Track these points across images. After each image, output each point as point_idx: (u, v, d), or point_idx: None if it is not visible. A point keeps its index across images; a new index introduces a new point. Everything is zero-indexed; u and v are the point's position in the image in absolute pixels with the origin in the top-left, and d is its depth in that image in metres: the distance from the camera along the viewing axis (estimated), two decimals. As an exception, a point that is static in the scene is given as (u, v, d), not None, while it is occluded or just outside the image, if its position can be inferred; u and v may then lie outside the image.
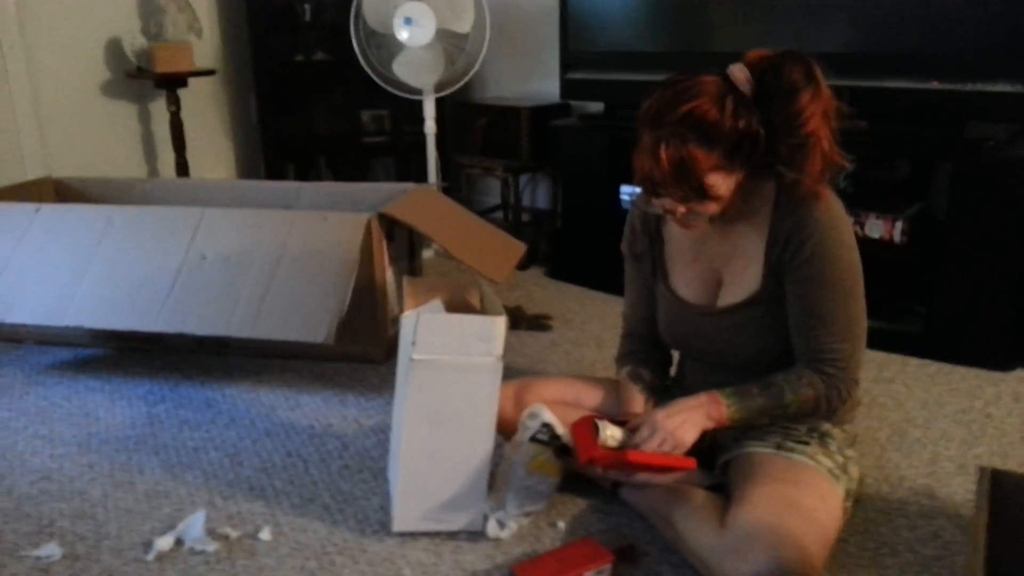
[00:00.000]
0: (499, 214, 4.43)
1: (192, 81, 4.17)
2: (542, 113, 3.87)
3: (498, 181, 4.30)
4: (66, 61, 3.95)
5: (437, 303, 1.96)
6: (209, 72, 4.25)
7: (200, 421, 2.41)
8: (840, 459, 1.72)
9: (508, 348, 1.73)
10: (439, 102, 3.83)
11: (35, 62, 3.83)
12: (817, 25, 2.82)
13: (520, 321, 3.11)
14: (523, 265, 3.78)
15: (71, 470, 2.15)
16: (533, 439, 1.82)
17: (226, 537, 1.84)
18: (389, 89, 3.73)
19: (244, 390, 2.61)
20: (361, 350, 2.75)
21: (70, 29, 3.94)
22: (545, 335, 3.03)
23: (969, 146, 2.56)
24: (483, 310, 1.98)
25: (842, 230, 1.67)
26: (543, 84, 4.20)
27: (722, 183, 1.62)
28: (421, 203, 2.85)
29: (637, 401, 1.88)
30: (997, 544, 1.20)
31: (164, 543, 1.80)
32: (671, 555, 1.73)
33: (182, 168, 4.18)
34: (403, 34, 3.47)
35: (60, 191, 3.34)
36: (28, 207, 2.77)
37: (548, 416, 1.83)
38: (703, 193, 1.61)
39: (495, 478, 1.85)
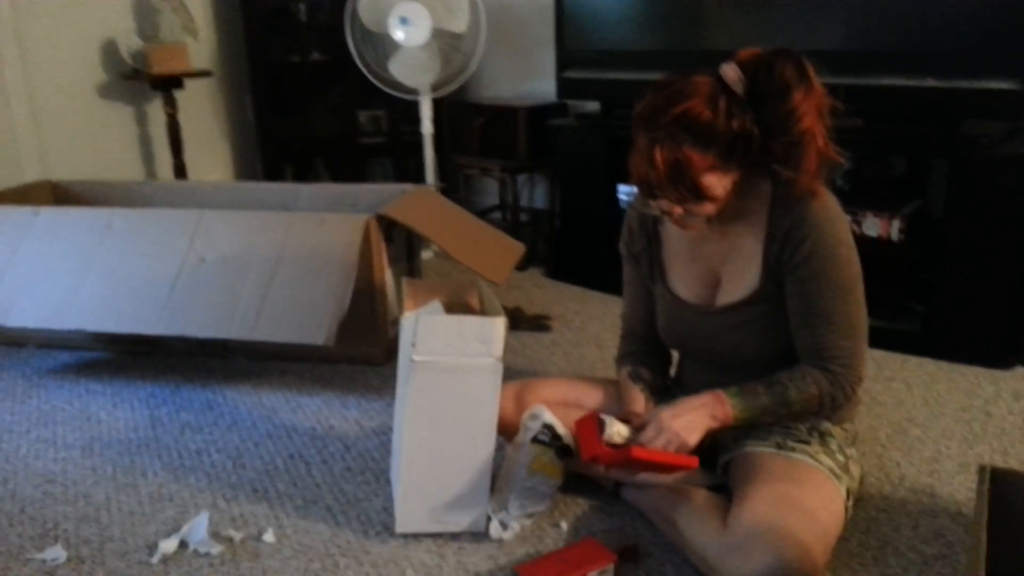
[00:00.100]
0: (497, 214, 4.43)
1: (188, 82, 4.17)
2: (539, 113, 3.87)
3: (496, 181, 4.30)
4: (62, 63, 3.94)
5: (436, 304, 1.97)
6: (205, 73, 4.25)
7: (202, 424, 2.41)
8: (841, 458, 1.73)
9: (508, 349, 1.73)
10: (436, 102, 3.84)
11: (31, 64, 3.82)
12: (813, 23, 2.83)
13: (520, 322, 3.12)
14: (522, 266, 3.78)
15: (74, 473, 2.15)
16: (534, 440, 1.82)
17: (230, 539, 1.84)
18: (385, 89, 3.73)
19: (245, 392, 2.61)
20: (361, 352, 2.75)
21: (65, 31, 3.93)
22: (545, 336, 3.04)
23: (965, 143, 2.56)
24: (482, 311, 1.99)
25: (839, 227, 1.68)
26: (540, 83, 4.20)
27: (718, 183, 1.62)
28: (419, 204, 2.86)
29: (638, 401, 1.88)
30: (998, 542, 1.21)
31: (168, 546, 1.80)
32: (673, 555, 1.74)
33: (179, 170, 4.18)
34: (399, 34, 3.47)
35: (59, 194, 3.34)
36: (27, 210, 2.77)
37: (549, 417, 1.84)
38: (699, 194, 1.62)
39: (497, 479, 1.86)
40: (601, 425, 1.71)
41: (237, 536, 1.85)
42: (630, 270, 2.00)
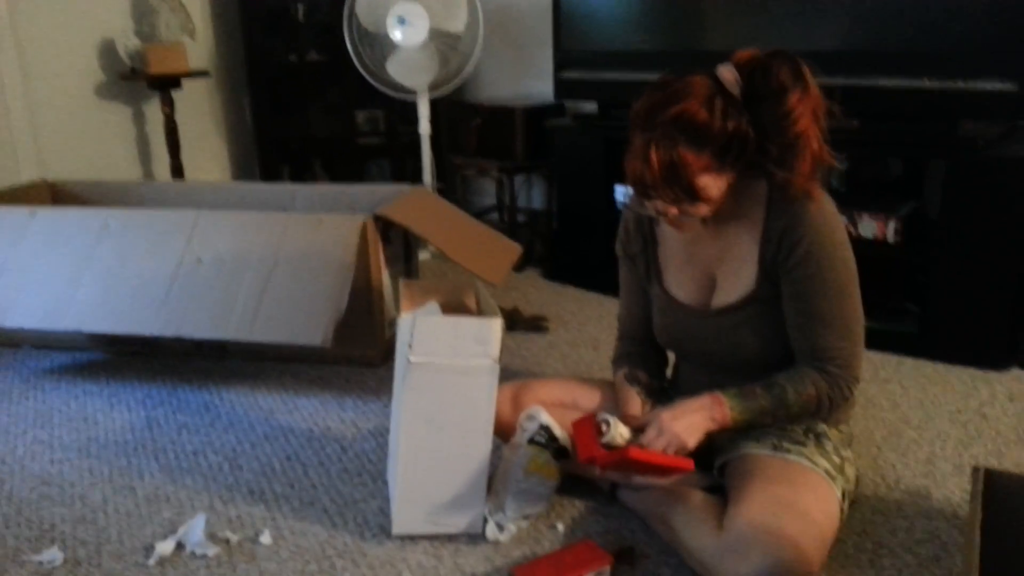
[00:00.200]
0: (494, 215, 4.43)
1: (186, 82, 4.17)
2: (536, 113, 3.87)
3: (493, 182, 4.30)
4: (59, 63, 3.94)
5: (433, 305, 1.97)
6: (203, 73, 4.25)
7: (199, 425, 2.41)
8: (837, 460, 1.73)
9: (505, 350, 1.73)
10: (433, 102, 3.83)
11: (28, 64, 3.82)
12: (809, 24, 2.83)
13: (517, 323, 3.12)
14: (519, 266, 3.78)
15: (71, 475, 2.15)
16: (531, 441, 1.83)
17: (226, 541, 1.85)
18: (383, 90, 3.73)
19: (242, 393, 2.61)
20: (358, 353, 2.75)
21: (63, 30, 3.93)
22: (542, 337, 3.04)
23: (961, 144, 2.56)
24: (479, 312, 1.99)
25: (835, 228, 1.68)
26: (537, 84, 4.21)
27: (713, 184, 1.62)
28: (417, 204, 2.86)
29: (634, 403, 1.89)
30: (992, 544, 1.21)
31: (165, 548, 1.80)
32: (670, 556, 1.74)
33: (177, 170, 4.17)
34: (396, 34, 3.47)
35: (56, 194, 3.34)
36: (24, 210, 2.77)
37: (546, 418, 1.84)
38: (694, 195, 1.62)
39: (493, 481, 1.86)
40: (604, 427, 1.71)
41: (234, 538, 1.86)
42: (626, 271, 2.00)
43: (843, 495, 1.69)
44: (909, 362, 2.71)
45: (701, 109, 1.56)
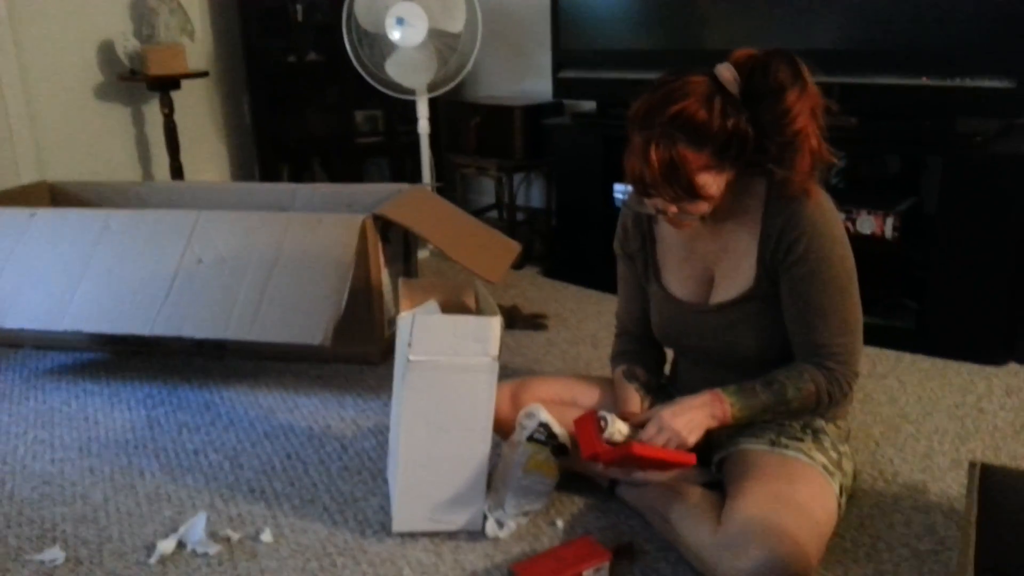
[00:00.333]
0: (493, 213, 4.44)
1: (185, 83, 4.17)
2: (535, 112, 3.88)
3: (492, 180, 4.31)
4: (59, 64, 3.95)
5: (433, 304, 1.98)
6: (202, 74, 4.25)
7: (199, 424, 2.42)
8: (834, 455, 1.74)
9: (504, 348, 1.74)
10: (432, 102, 3.84)
11: (28, 65, 3.83)
12: (808, 22, 2.83)
13: (516, 321, 3.13)
14: (518, 264, 3.79)
15: (72, 474, 2.16)
16: (530, 439, 1.83)
17: (227, 539, 1.85)
18: (382, 89, 3.74)
19: (242, 392, 2.62)
20: (358, 351, 2.76)
21: (62, 32, 3.93)
22: (541, 334, 3.05)
23: (959, 141, 2.57)
24: (478, 310, 2.00)
25: (833, 226, 1.69)
26: (536, 83, 4.21)
27: (712, 182, 1.63)
28: (416, 204, 2.86)
29: (633, 400, 1.89)
30: (988, 537, 1.22)
31: (166, 546, 1.81)
32: (668, 552, 1.75)
33: (176, 171, 4.18)
34: (395, 34, 3.48)
35: (55, 195, 3.35)
36: (24, 212, 2.77)
37: (545, 416, 1.84)
38: (694, 193, 1.63)
39: (493, 478, 1.87)
40: (602, 423, 1.72)
41: (235, 536, 1.86)
42: (625, 269, 2.01)
43: (841, 490, 1.70)
44: (907, 357, 2.71)
45: (700, 108, 1.57)
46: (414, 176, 4.18)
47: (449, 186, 4.52)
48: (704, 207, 1.67)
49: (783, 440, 1.73)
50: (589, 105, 3.69)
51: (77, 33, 3.99)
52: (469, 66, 3.64)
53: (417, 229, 2.71)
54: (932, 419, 2.31)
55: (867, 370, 2.62)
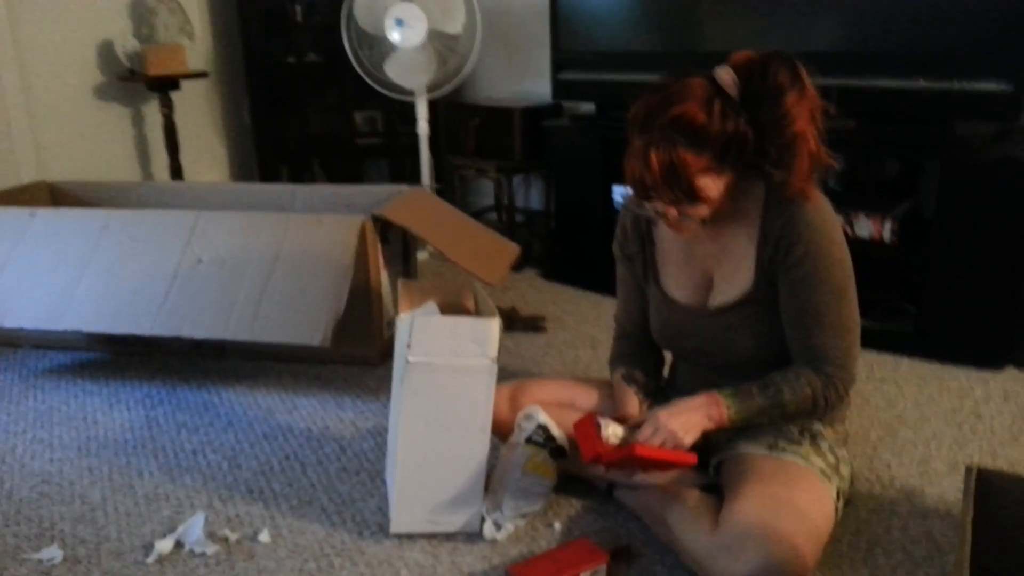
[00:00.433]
0: (492, 215, 4.44)
1: (185, 83, 4.17)
2: (534, 114, 3.88)
3: (491, 182, 4.31)
4: (58, 64, 3.95)
5: (432, 305, 1.98)
6: (201, 74, 4.26)
7: (198, 424, 2.42)
8: (832, 459, 1.74)
9: (503, 350, 1.74)
10: (432, 103, 3.84)
11: (27, 65, 3.83)
12: (806, 25, 2.84)
13: (515, 323, 3.13)
14: (517, 266, 3.79)
15: (71, 474, 2.16)
16: (529, 441, 1.84)
17: (225, 539, 1.86)
18: (381, 90, 3.74)
19: (241, 393, 2.62)
20: (357, 353, 2.76)
21: (62, 32, 3.93)
22: (540, 336, 3.05)
23: (957, 144, 2.57)
24: (477, 312, 2.00)
25: (831, 229, 1.70)
26: (535, 85, 4.21)
27: (712, 185, 1.64)
28: (415, 205, 2.86)
29: (631, 403, 1.90)
30: (984, 541, 1.22)
31: (164, 546, 1.81)
32: (666, 555, 1.75)
33: (176, 171, 4.18)
34: (394, 35, 3.48)
35: (55, 195, 3.35)
36: (23, 211, 2.78)
37: (543, 418, 1.85)
38: (694, 195, 1.63)
39: (491, 480, 1.87)
40: (598, 426, 1.73)
41: (233, 536, 1.87)
42: (623, 271, 2.01)
43: (838, 494, 1.70)
44: (905, 362, 2.71)
45: (700, 111, 1.57)
46: (413, 177, 4.18)
47: (448, 187, 4.52)
48: (704, 210, 1.67)
49: (781, 444, 1.73)
50: (588, 107, 3.69)
51: (76, 33, 3.99)
52: (468, 67, 3.64)
53: (416, 230, 2.71)
54: (930, 423, 2.32)
55: (865, 374, 2.62)
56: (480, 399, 1.74)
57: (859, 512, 1.90)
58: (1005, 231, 2.51)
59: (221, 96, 4.71)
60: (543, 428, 1.84)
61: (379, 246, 2.67)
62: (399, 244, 3.05)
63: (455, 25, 3.51)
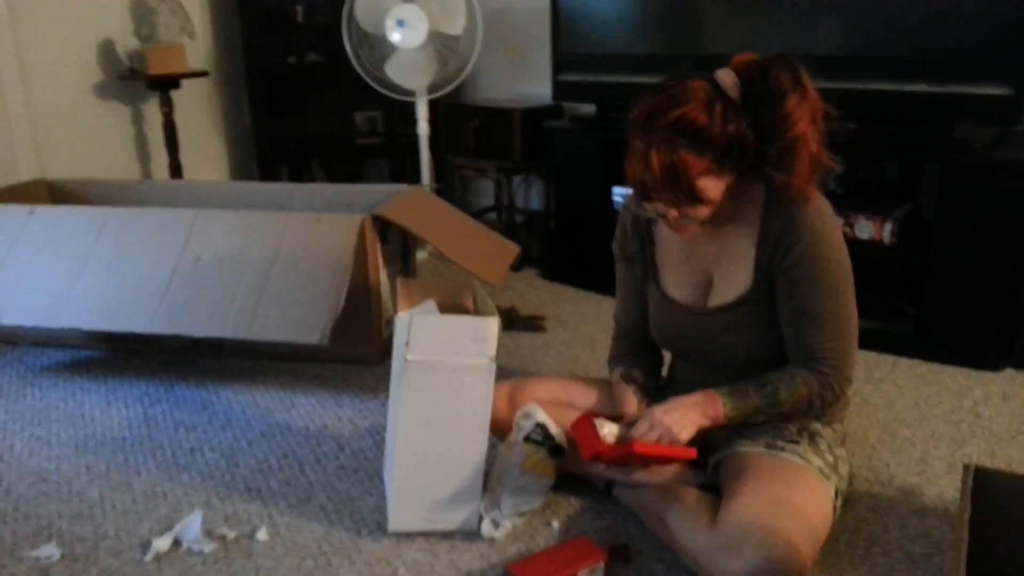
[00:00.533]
0: (492, 215, 4.44)
1: (185, 83, 4.17)
2: (534, 114, 3.89)
3: (491, 182, 4.31)
4: (59, 63, 3.95)
5: (431, 304, 1.98)
6: (202, 74, 4.25)
7: (196, 422, 2.42)
8: (830, 458, 1.74)
9: (502, 349, 1.75)
10: (432, 104, 3.84)
11: (28, 64, 3.83)
12: (807, 28, 2.84)
13: (514, 322, 3.13)
14: (516, 266, 3.79)
15: (68, 471, 2.16)
16: (527, 439, 1.83)
17: (223, 538, 1.85)
18: (382, 91, 3.74)
19: (239, 391, 2.62)
20: (356, 351, 2.76)
21: (62, 31, 3.93)
22: (539, 336, 3.05)
23: (957, 147, 2.58)
24: (476, 311, 2.00)
25: (831, 230, 1.70)
26: (535, 86, 4.21)
27: (713, 187, 1.64)
28: (415, 204, 2.86)
29: (630, 402, 1.90)
30: (980, 540, 1.22)
31: (162, 544, 1.81)
32: (664, 554, 1.75)
33: (175, 170, 4.18)
34: (395, 36, 3.48)
35: (54, 193, 3.35)
36: (22, 209, 2.77)
37: (542, 416, 1.85)
38: (694, 197, 1.64)
39: (489, 478, 1.87)
40: (594, 426, 1.73)
41: (230, 534, 1.86)
42: (623, 271, 2.01)
43: (836, 493, 1.70)
44: (904, 362, 2.71)
45: (701, 113, 1.58)
46: (413, 178, 4.18)
47: (448, 188, 4.53)
48: (704, 211, 1.68)
49: (779, 443, 1.74)
50: (588, 108, 3.69)
51: (77, 32, 3.99)
52: (469, 68, 3.64)
53: (416, 230, 2.71)
54: (928, 423, 2.32)
55: (864, 374, 2.62)
56: (479, 398, 1.74)
57: (858, 511, 1.90)
58: (1005, 233, 2.51)
59: (221, 95, 4.71)
60: (542, 427, 1.84)
61: (378, 245, 2.67)
62: (398, 243, 3.05)
63: (456, 26, 3.51)
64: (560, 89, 3.57)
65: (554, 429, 1.84)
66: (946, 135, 2.62)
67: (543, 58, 3.80)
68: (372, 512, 1.94)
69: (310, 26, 4.53)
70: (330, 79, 4.54)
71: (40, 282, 2.60)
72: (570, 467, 1.93)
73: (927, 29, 2.59)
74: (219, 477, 2.12)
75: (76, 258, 2.63)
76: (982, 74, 2.51)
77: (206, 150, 4.68)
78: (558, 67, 3.54)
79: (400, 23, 3.46)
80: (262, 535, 1.86)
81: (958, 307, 2.64)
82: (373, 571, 1.73)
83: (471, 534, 1.83)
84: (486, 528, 1.82)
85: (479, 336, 1.70)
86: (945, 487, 2.00)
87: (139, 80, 4.05)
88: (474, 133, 4.03)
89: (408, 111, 3.92)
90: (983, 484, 1.36)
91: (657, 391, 2.00)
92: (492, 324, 1.70)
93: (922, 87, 2.62)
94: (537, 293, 3.53)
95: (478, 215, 4.10)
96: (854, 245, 1.98)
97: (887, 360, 2.73)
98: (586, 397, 2.01)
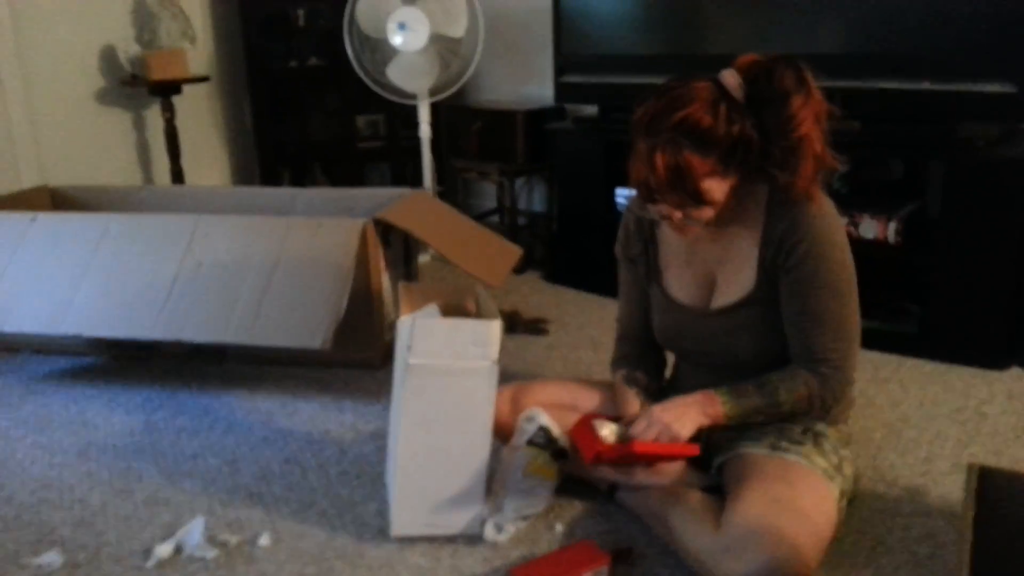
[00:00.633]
0: (495, 218, 4.44)
1: (186, 88, 4.17)
2: (537, 117, 3.88)
3: (493, 185, 4.31)
4: (61, 69, 3.95)
5: (433, 308, 1.97)
6: (203, 79, 4.26)
7: (198, 428, 2.42)
8: (835, 459, 1.73)
9: (505, 352, 1.73)
10: (434, 106, 3.84)
11: (30, 70, 3.83)
12: (810, 27, 2.83)
13: (517, 325, 3.12)
14: (519, 269, 3.78)
15: (70, 478, 2.15)
16: (530, 442, 1.83)
17: (225, 544, 1.84)
18: (383, 94, 3.73)
19: (241, 397, 2.62)
20: (358, 355, 2.75)
21: (64, 37, 3.94)
22: (542, 339, 3.04)
23: (961, 146, 2.57)
24: (479, 314, 1.99)
25: (834, 231, 1.70)
26: (537, 88, 4.21)
27: (717, 188, 1.64)
28: (417, 208, 2.86)
29: (633, 404, 1.89)
30: (985, 539, 1.21)
31: (164, 550, 1.80)
32: (668, 556, 1.74)
33: (177, 175, 4.18)
34: (397, 39, 3.48)
35: (56, 199, 3.35)
36: (24, 216, 2.77)
37: (545, 419, 1.84)
38: (699, 198, 1.64)
39: (492, 482, 1.86)
40: (594, 428, 1.72)
41: (233, 540, 1.86)
42: (626, 273, 2.01)
43: (841, 494, 1.70)
44: (909, 362, 2.70)
45: (706, 114, 1.58)
46: (415, 181, 4.18)
47: (450, 190, 4.52)
48: (709, 212, 1.68)
49: (783, 444, 1.73)
50: (591, 109, 3.68)
51: (79, 38, 4.00)
52: (471, 71, 3.63)
53: (418, 233, 2.70)
54: (934, 423, 2.30)
55: (869, 374, 2.61)
56: (481, 401, 1.73)
57: (862, 511, 1.89)
58: (1009, 231, 2.51)
59: (223, 100, 4.71)
60: (544, 430, 1.83)
61: (380, 249, 2.67)
62: (400, 247, 3.04)
63: (458, 29, 3.50)
64: (562, 91, 3.57)
65: (557, 432, 1.83)
66: (950, 133, 2.61)
67: (545, 60, 3.79)
68: (375, 517, 1.94)
69: (311, 30, 4.54)
70: (331, 83, 4.54)
71: (42, 289, 2.60)
72: (573, 470, 1.92)
73: (930, 27, 2.58)
74: (221, 483, 2.11)
75: (78, 265, 2.63)
76: (986, 72, 2.50)
77: (208, 155, 4.68)
78: (560, 69, 3.53)
79: (402, 26, 3.46)
80: (264, 541, 1.85)
81: (963, 306, 2.63)
82: (376, 576, 1.73)
83: (474, 538, 1.82)
84: (489, 532, 1.81)
85: (481, 339, 1.69)
86: (950, 487, 1.98)
87: (140, 86, 4.05)
88: (476, 136, 4.03)
89: (410, 114, 3.92)
90: (988, 484, 1.35)
91: (660, 393, 1.99)
92: (494, 327, 1.70)
93: (926, 85, 2.61)
94: (540, 296, 3.52)
95: (480, 218, 4.09)
96: (858, 244, 1.97)
97: (892, 360, 2.72)
98: (589, 400, 2.00)
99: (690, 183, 1.61)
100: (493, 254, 2.88)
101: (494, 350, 1.70)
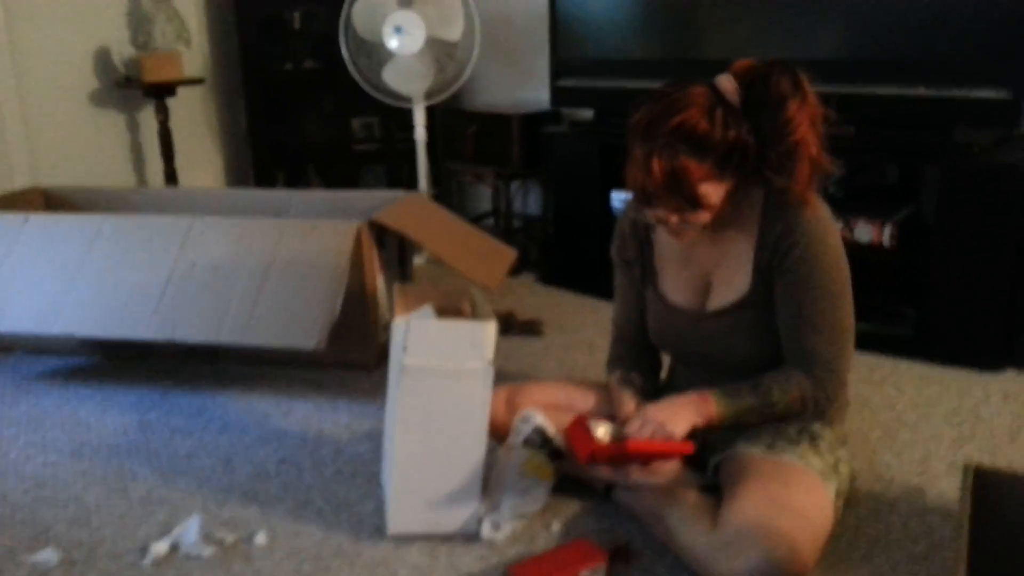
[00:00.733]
0: (490, 220, 4.43)
1: (181, 90, 4.16)
2: (533, 120, 3.88)
3: (489, 188, 4.31)
4: (54, 70, 3.94)
5: (428, 309, 1.97)
6: (198, 81, 4.25)
7: (192, 428, 2.41)
8: (831, 459, 1.74)
9: (500, 354, 1.74)
10: (429, 110, 3.84)
11: (23, 71, 3.82)
12: (805, 32, 2.84)
13: (512, 327, 3.12)
14: (514, 271, 3.78)
15: (65, 477, 2.15)
16: (526, 443, 1.83)
17: (221, 542, 1.84)
18: (379, 97, 3.74)
19: (235, 397, 2.61)
20: (353, 357, 2.75)
21: (58, 38, 3.93)
22: (537, 341, 3.04)
23: (956, 151, 2.58)
24: (474, 316, 1.99)
25: (829, 234, 1.71)
26: (533, 91, 4.21)
27: (714, 192, 1.65)
28: (412, 210, 2.86)
29: (628, 405, 1.89)
30: (980, 538, 1.21)
31: (160, 548, 1.80)
32: (665, 555, 1.74)
33: (171, 177, 4.17)
34: (393, 42, 3.48)
35: (49, 200, 3.34)
36: (17, 217, 2.76)
37: (540, 420, 1.84)
38: (696, 203, 1.64)
39: (489, 482, 1.86)
40: (587, 427, 1.73)
41: (229, 539, 1.85)
42: (622, 275, 2.01)
43: (837, 494, 1.70)
44: (905, 364, 2.71)
45: (702, 119, 1.59)
46: (411, 183, 4.17)
47: (446, 193, 4.52)
48: (705, 216, 1.68)
49: (779, 444, 1.73)
50: (587, 113, 3.69)
51: (73, 39, 3.99)
52: (466, 74, 3.64)
53: (413, 235, 2.70)
54: (929, 424, 2.31)
55: (865, 376, 2.61)
56: (476, 402, 1.73)
57: (859, 511, 1.89)
58: (1004, 236, 2.51)
59: (218, 102, 4.71)
60: (540, 430, 1.83)
61: (375, 251, 2.66)
62: (395, 249, 3.04)
63: (454, 32, 3.51)
64: (558, 94, 3.57)
65: (553, 432, 1.83)
66: (945, 138, 2.62)
67: (541, 63, 3.80)
68: (371, 515, 1.93)
69: (307, 33, 4.53)
70: (327, 86, 4.53)
71: (35, 289, 2.59)
72: (569, 470, 1.93)
73: (926, 32, 2.59)
74: (216, 482, 2.11)
75: (71, 265, 2.62)
76: (981, 77, 2.52)
77: (202, 157, 4.67)
78: (556, 72, 3.54)
79: (398, 29, 3.46)
80: (260, 539, 1.84)
81: (958, 309, 2.64)
82: (372, 574, 1.72)
83: (471, 537, 1.82)
84: (486, 530, 1.81)
85: (476, 340, 1.69)
86: (946, 487, 1.99)
87: (135, 88, 4.04)
88: (472, 139, 4.03)
89: (406, 117, 3.92)
90: (983, 484, 1.35)
91: (656, 395, 1.99)
92: (489, 328, 1.70)
93: (921, 90, 2.63)
94: (535, 298, 3.52)
95: (476, 221, 4.09)
96: (854, 248, 1.98)
97: (888, 362, 2.73)
98: (584, 401, 2.01)
99: (687, 187, 1.62)
100: (488, 256, 2.88)
101: (489, 351, 1.70)
